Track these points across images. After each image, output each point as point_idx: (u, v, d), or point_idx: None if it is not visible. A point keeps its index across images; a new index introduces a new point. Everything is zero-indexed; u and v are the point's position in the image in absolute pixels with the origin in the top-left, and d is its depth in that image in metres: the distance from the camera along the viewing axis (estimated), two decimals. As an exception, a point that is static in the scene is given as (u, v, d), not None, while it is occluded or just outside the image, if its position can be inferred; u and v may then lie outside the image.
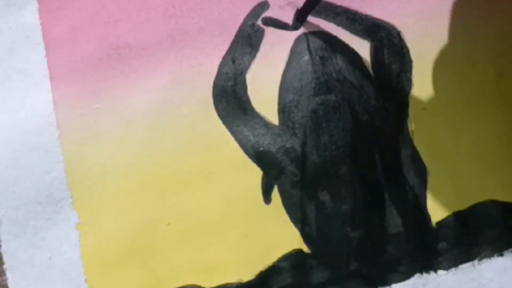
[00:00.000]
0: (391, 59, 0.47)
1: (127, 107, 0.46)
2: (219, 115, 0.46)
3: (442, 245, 0.46)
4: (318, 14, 0.47)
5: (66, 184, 0.45)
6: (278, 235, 0.45)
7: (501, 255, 0.46)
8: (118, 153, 0.46)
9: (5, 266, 0.45)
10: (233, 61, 0.47)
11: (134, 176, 0.45)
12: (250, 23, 0.47)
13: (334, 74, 0.47)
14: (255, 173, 0.46)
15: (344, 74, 0.47)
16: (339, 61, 0.47)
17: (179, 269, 0.45)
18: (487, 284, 0.45)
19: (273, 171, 0.46)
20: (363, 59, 0.47)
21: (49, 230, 0.45)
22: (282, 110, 0.47)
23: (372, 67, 0.47)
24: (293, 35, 0.47)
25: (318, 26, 0.47)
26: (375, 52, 0.47)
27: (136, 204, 0.45)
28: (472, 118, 0.47)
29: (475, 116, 0.47)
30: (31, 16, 0.47)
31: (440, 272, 0.45)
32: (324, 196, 0.46)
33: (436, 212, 0.46)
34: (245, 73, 0.47)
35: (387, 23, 0.47)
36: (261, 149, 0.46)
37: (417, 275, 0.45)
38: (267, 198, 0.46)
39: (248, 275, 0.45)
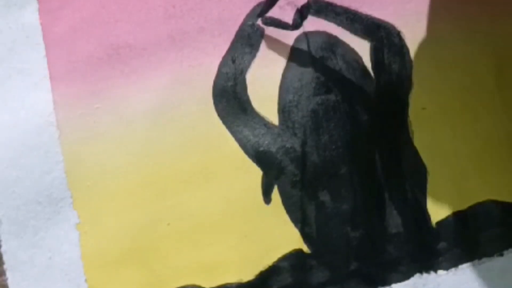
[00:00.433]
0: (391, 59, 0.47)
1: (127, 107, 0.46)
2: (219, 115, 0.46)
3: (442, 245, 0.46)
4: (318, 14, 0.47)
5: (66, 184, 0.45)
6: (278, 235, 0.45)
7: (501, 255, 0.46)
8: (118, 153, 0.46)
9: (5, 266, 0.45)
10: (233, 61, 0.47)
11: (134, 176, 0.45)
12: (250, 23, 0.47)
13: (334, 74, 0.47)
14: (255, 173, 0.46)
15: (344, 74, 0.47)
16: (339, 61, 0.47)
17: (179, 269, 0.45)
18: (487, 284, 0.45)
19: (273, 171, 0.46)
20: (363, 59, 0.47)
21: (49, 230, 0.45)
22: (282, 110, 0.47)
23: (372, 67, 0.47)
24: (293, 34, 0.47)
25: (318, 26, 0.47)
26: (375, 52, 0.47)
27: (136, 204, 0.45)
28: (472, 118, 0.47)
29: (475, 116, 0.47)
30: (31, 16, 0.47)
31: (440, 272, 0.45)
32: (324, 196, 0.46)
33: (436, 212, 0.46)
34: (245, 73, 0.47)
35: (387, 23, 0.47)
36: (261, 149, 0.46)
37: (417, 275, 0.45)
38: (267, 198, 0.46)
39: (248, 275, 0.45)
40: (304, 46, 0.47)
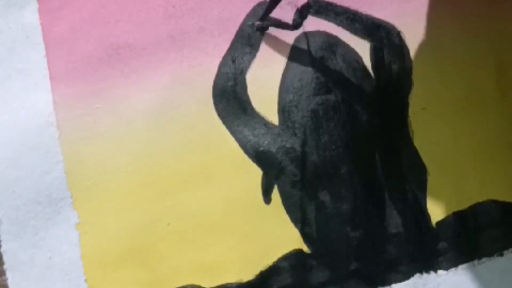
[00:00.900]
0: (391, 59, 0.47)
1: (127, 107, 0.46)
2: (219, 115, 0.46)
3: (442, 245, 0.46)
4: (318, 14, 0.47)
5: (66, 184, 0.45)
6: (278, 235, 0.45)
7: (501, 255, 0.46)
8: (118, 153, 0.46)
9: (5, 266, 0.45)
10: (233, 61, 0.47)
11: (134, 176, 0.45)
12: (250, 23, 0.47)
13: (334, 74, 0.47)
14: (255, 173, 0.46)
15: (344, 74, 0.47)
16: (339, 61, 0.47)
17: (179, 269, 0.45)
18: (487, 284, 0.45)
19: (273, 171, 0.46)
20: (363, 59, 0.47)
21: (49, 230, 0.45)
22: (282, 110, 0.47)
23: (372, 67, 0.47)
24: (293, 35, 0.47)
25: (318, 26, 0.47)
26: (375, 52, 0.47)
27: (136, 204, 0.45)
28: (472, 118, 0.47)
29: (475, 116, 0.47)
30: (31, 16, 0.47)
31: (440, 272, 0.45)
32: (324, 196, 0.46)
33: (436, 212, 0.46)
34: (245, 73, 0.47)
35: (387, 23, 0.47)
36: (261, 149, 0.46)
37: (417, 275, 0.45)
38: (267, 198, 0.46)
39: (248, 275, 0.45)
40: (304, 46, 0.47)
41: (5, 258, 0.45)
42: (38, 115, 0.46)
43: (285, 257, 0.45)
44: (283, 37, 0.47)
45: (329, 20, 0.47)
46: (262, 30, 0.47)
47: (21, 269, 0.45)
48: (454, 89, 0.47)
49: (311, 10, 0.47)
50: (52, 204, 0.45)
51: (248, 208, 0.46)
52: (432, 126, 0.46)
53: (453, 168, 0.46)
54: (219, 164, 0.46)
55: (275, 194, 0.46)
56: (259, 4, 0.48)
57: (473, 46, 0.47)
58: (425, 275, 0.45)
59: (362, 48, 0.47)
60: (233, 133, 0.46)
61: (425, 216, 0.46)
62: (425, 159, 0.46)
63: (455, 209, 0.46)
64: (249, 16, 0.47)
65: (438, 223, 0.46)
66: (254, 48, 0.47)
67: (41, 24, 0.47)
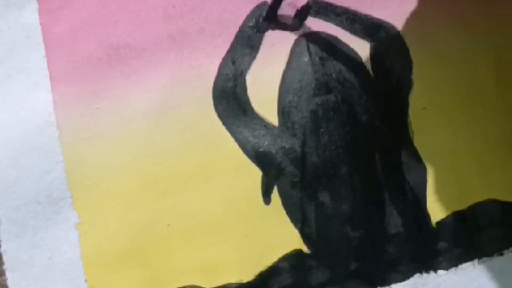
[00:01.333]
0: (391, 59, 0.47)
1: (127, 107, 0.46)
2: (219, 115, 0.46)
3: (442, 245, 0.46)
4: (318, 14, 0.47)
5: (66, 184, 0.45)
6: (278, 235, 0.45)
7: (501, 255, 0.46)
8: (118, 153, 0.46)
9: (5, 266, 0.45)
10: (233, 62, 0.47)
11: (134, 176, 0.45)
12: (250, 24, 0.47)
13: (334, 75, 0.47)
14: (255, 174, 0.46)
15: (344, 74, 0.47)
16: (339, 62, 0.47)
17: (179, 269, 0.45)
18: (487, 284, 0.45)
19: (273, 171, 0.46)
20: (363, 59, 0.47)
21: (49, 230, 0.45)
22: (282, 110, 0.47)
23: (372, 67, 0.47)
24: (293, 36, 0.47)
25: (318, 27, 0.47)
26: (375, 52, 0.47)
27: (136, 204, 0.45)
28: (472, 118, 0.47)
29: (475, 116, 0.47)
30: (31, 16, 0.47)
31: (440, 272, 0.45)
32: (324, 196, 0.46)
33: (436, 212, 0.46)
34: (245, 74, 0.47)
35: (387, 23, 0.47)
36: (261, 149, 0.46)
37: (417, 275, 0.45)
38: (267, 198, 0.46)
39: (248, 275, 0.45)
40: (304, 47, 0.47)
41: (5, 258, 0.45)
42: (38, 115, 0.46)
43: (285, 258, 0.45)
44: (283, 38, 0.47)
45: (329, 21, 0.47)
46: (264, 29, 0.47)
47: (21, 269, 0.45)
48: (454, 89, 0.47)
49: (311, 11, 0.47)
50: (52, 204, 0.45)
51: (248, 208, 0.46)
52: (432, 126, 0.46)
53: (453, 168, 0.46)
54: (219, 165, 0.46)
55: (275, 195, 0.46)
56: (259, 6, 0.48)
57: (473, 45, 0.47)
58: (425, 275, 0.45)
59: (362, 48, 0.47)
60: (233, 134, 0.46)
61: (425, 216, 0.46)
62: (425, 159, 0.46)
63: (455, 209, 0.46)
64: (249, 17, 0.48)
65: (438, 223, 0.46)
66: (254, 49, 0.47)
67: (41, 24, 0.47)
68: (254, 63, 0.47)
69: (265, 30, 0.47)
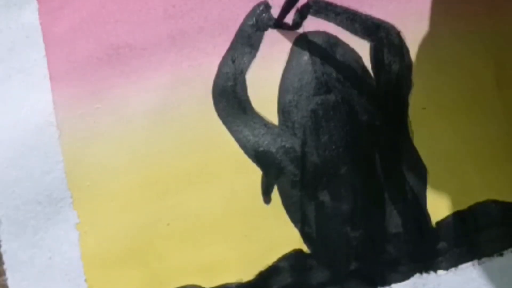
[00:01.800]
0: (391, 59, 0.47)
1: (127, 107, 0.46)
2: (219, 115, 0.46)
3: (442, 245, 0.46)
4: (318, 14, 0.47)
5: (66, 184, 0.45)
6: (278, 235, 0.45)
7: (501, 255, 0.46)
8: (118, 153, 0.46)
9: (5, 266, 0.45)
10: (233, 61, 0.47)
11: (134, 176, 0.45)
12: (250, 23, 0.47)
13: (334, 74, 0.47)
14: (255, 173, 0.46)
15: (344, 74, 0.47)
16: (339, 61, 0.47)
17: (179, 269, 0.45)
18: (487, 284, 0.45)
19: (273, 171, 0.46)
20: (363, 59, 0.47)
21: (49, 230, 0.45)
22: (282, 110, 0.47)
23: (372, 67, 0.47)
24: (293, 35, 0.47)
25: (318, 26, 0.47)
26: (375, 52, 0.47)
27: (136, 204, 0.45)
28: (472, 118, 0.47)
29: (475, 116, 0.47)
30: (31, 16, 0.47)
31: (440, 272, 0.45)
32: (324, 196, 0.46)
33: (436, 212, 0.46)
34: (245, 73, 0.47)
35: (387, 23, 0.47)
36: (261, 149, 0.46)
37: (417, 275, 0.45)
38: (267, 198, 0.46)
39: (248, 275, 0.45)
40: (304, 46, 0.47)
41: (5, 258, 0.45)
42: (38, 115, 0.46)
43: (285, 257, 0.45)
44: (283, 37, 0.47)
45: (329, 20, 0.47)
46: (264, 28, 0.47)
47: (21, 269, 0.45)
48: (454, 89, 0.47)
49: (311, 10, 0.47)
50: (52, 204, 0.45)
51: (248, 208, 0.46)
52: (432, 126, 0.46)
53: (453, 168, 0.46)
54: (219, 164, 0.46)
55: (275, 194, 0.46)
56: (258, 5, 0.48)
57: (473, 46, 0.47)
58: (425, 275, 0.45)
59: (362, 48, 0.47)
60: (233, 133, 0.46)
61: (425, 216, 0.46)
62: (425, 159, 0.46)
63: (455, 209, 0.46)
64: (249, 16, 0.47)
65: (438, 223, 0.46)
66: (254, 48, 0.47)
67: (41, 24, 0.47)
68: (254, 62, 0.47)
69: (265, 29, 0.47)
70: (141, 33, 0.47)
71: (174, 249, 0.45)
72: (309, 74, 0.47)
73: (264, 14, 0.47)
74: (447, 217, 0.46)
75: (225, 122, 0.46)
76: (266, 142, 0.46)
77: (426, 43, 0.47)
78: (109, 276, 0.45)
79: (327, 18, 0.47)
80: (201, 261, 0.45)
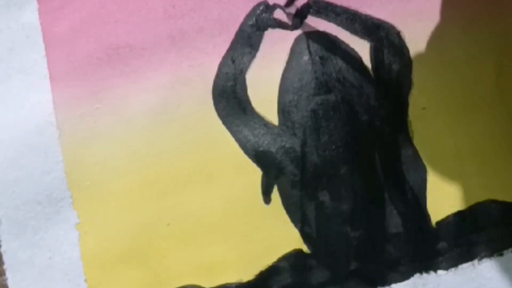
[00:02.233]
0: (391, 59, 0.47)
1: (127, 107, 0.46)
2: (219, 115, 0.46)
3: (442, 245, 0.46)
4: (318, 14, 0.47)
5: (66, 184, 0.45)
6: (278, 235, 0.45)
7: (501, 255, 0.46)
8: (118, 153, 0.46)
9: (5, 266, 0.45)
10: (233, 61, 0.47)
11: (134, 176, 0.45)
12: (250, 23, 0.47)
13: (334, 74, 0.47)
14: (255, 173, 0.46)
15: (344, 74, 0.47)
16: (339, 61, 0.47)
17: (179, 269, 0.45)
18: (487, 284, 0.45)
19: (273, 171, 0.46)
20: (363, 59, 0.47)
21: (49, 230, 0.45)
22: (282, 110, 0.47)
23: (372, 67, 0.47)
24: (293, 35, 0.47)
25: (318, 26, 0.47)
26: (375, 52, 0.47)
27: (136, 204, 0.45)
28: (472, 118, 0.47)
29: (475, 116, 0.47)
30: (31, 16, 0.47)
31: (440, 272, 0.45)
32: (324, 196, 0.46)
33: (436, 212, 0.46)
34: (245, 73, 0.47)
35: (387, 23, 0.47)
36: (261, 149, 0.46)
37: (417, 275, 0.45)
38: (267, 198, 0.46)
39: (248, 275, 0.45)
40: (304, 46, 0.47)
41: (5, 258, 0.45)
42: (38, 115, 0.46)
43: (285, 257, 0.45)
44: (283, 37, 0.47)
45: (329, 20, 0.47)
46: (264, 28, 0.47)
47: (21, 269, 0.45)
48: (454, 89, 0.47)
49: (311, 10, 0.47)
50: (52, 204, 0.45)
51: (248, 208, 0.46)
52: (432, 126, 0.46)
53: (453, 168, 0.46)
54: (219, 164, 0.46)
55: (275, 194, 0.46)
56: (258, 4, 0.48)
57: (473, 46, 0.47)
58: (425, 275, 0.45)
59: (362, 48, 0.47)
60: (233, 133, 0.46)
61: (425, 216, 0.46)
62: (425, 159, 0.46)
63: (455, 209, 0.46)
64: (249, 16, 0.47)
65: (438, 223, 0.46)
66: (254, 48, 0.47)
67: (41, 24, 0.47)
68: (254, 62, 0.47)
69: (265, 29, 0.47)
70: (141, 33, 0.47)
71: (174, 249, 0.45)
72: (309, 74, 0.47)
73: (264, 14, 0.47)
74: (447, 217, 0.46)
75: (225, 122, 0.46)
76: (266, 142, 0.46)
77: (426, 43, 0.47)
78: (109, 276, 0.45)
79: (327, 18, 0.47)
80: (201, 261, 0.45)
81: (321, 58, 0.47)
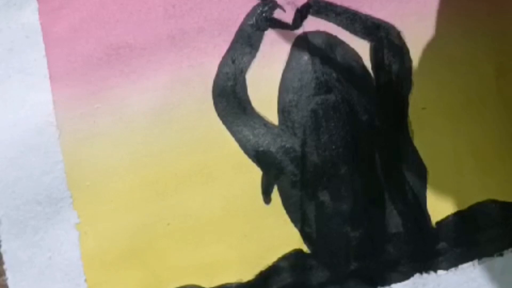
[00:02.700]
0: (391, 59, 0.47)
1: (127, 107, 0.46)
2: (219, 115, 0.46)
3: (442, 245, 0.46)
4: (318, 14, 0.47)
5: (66, 184, 0.45)
6: (278, 235, 0.45)
7: (501, 255, 0.46)
8: (118, 153, 0.46)
9: (5, 266, 0.45)
10: (233, 61, 0.47)
11: (134, 176, 0.45)
12: (250, 23, 0.47)
13: (334, 74, 0.47)
14: (255, 173, 0.46)
15: (344, 74, 0.47)
16: (339, 61, 0.47)
17: (179, 269, 0.45)
18: (487, 284, 0.45)
19: (273, 171, 0.46)
20: (363, 59, 0.47)
21: (49, 230, 0.45)
22: (282, 110, 0.47)
23: (372, 67, 0.47)
24: (293, 35, 0.47)
25: (318, 26, 0.47)
26: (375, 52, 0.47)
27: (136, 204, 0.45)
28: (472, 118, 0.47)
29: (475, 116, 0.47)
30: (31, 16, 0.47)
31: (440, 272, 0.45)
32: (324, 196, 0.46)
33: (436, 212, 0.46)
34: (245, 73, 0.47)
35: (387, 23, 0.47)
36: (261, 149, 0.46)
37: (417, 275, 0.45)
38: (267, 198, 0.46)
39: (248, 275, 0.45)
40: (304, 46, 0.47)
41: (5, 258, 0.45)
42: (38, 115, 0.46)
43: (285, 257, 0.45)
44: (283, 37, 0.47)
45: (329, 20, 0.47)
46: (264, 28, 0.47)
47: (21, 269, 0.45)
48: (454, 89, 0.47)
49: (311, 10, 0.47)
50: (52, 204, 0.45)
51: (248, 208, 0.46)
52: (432, 126, 0.46)
53: (453, 168, 0.46)
54: (219, 164, 0.46)
55: (275, 194, 0.46)
56: (258, 4, 0.48)
57: (473, 46, 0.47)
58: (425, 275, 0.45)
59: (362, 48, 0.47)
60: (233, 133, 0.46)
61: (425, 216, 0.46)
62: (425, 159, 0.46)
63: (455, 209, 0.46)
64: (249, 15, 0.47)
65: (438, 223, 0.46)
66: (254, 48, 0.47)
67: (41, 24, 0.47)
68: (254, 62, 0.47)
69: (265, 29, 0.47)
70: (141, 33, 0.47)
71: (174, 249, 0.45)
72: (309, 74, 0.47)
73: (264, 14, 0.47)
74: (447, 217, 0.46)
75: (225, 122, 0.46)
76: (266, 142, 0.46)
77: (426, 43, 0.47)
78: (109, 276, 0.45)
79: (327, 18, 0.47)
80: (201, 261, 0.45)
81: (321, 58, 0.47)
